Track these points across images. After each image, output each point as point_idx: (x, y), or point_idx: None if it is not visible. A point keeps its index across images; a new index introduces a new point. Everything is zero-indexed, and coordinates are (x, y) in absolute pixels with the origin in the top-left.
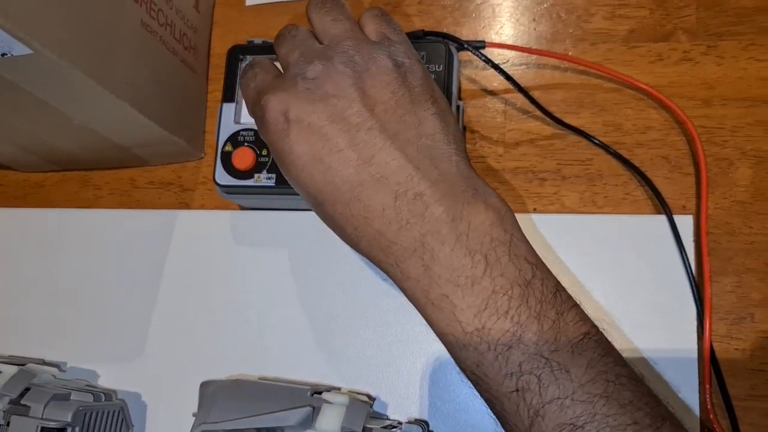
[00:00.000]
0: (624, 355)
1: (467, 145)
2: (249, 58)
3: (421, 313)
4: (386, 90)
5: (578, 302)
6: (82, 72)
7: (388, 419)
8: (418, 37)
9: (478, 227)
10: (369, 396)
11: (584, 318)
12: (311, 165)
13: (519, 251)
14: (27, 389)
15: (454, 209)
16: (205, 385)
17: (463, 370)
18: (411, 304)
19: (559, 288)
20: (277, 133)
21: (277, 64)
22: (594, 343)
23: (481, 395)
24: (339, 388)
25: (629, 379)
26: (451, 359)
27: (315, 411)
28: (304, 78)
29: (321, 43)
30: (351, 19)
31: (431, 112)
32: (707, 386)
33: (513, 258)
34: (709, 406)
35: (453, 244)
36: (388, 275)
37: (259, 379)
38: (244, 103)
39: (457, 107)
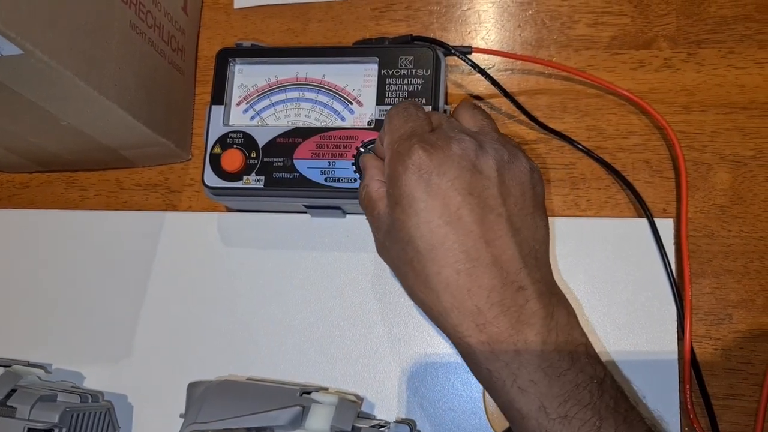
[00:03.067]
0: (606, 355)
1: None
2: (238, 60)
3: (498, 395)
4: (519, 188)
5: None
6: (72, 73)
7: (375, 419)
8: (406, 42)
9: (564, 327)
10: (357, 396)
11: (643, 417)
12: (436, 222)
13: (591, 353)
14: (13, 391)
15: (548, 308)
16: (193, 386)
17: None
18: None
19: (619, 386)
20: (414, 177)
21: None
22: None
23: None
24: (327, 389)
25: None
26: (437, 360)
27: (304, 410)
28: (459, 144)
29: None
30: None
31: (543, 223)
32: (687, 386)
33: (589, 358)
34: (689, 406)
35: (545, 337)
36: (465, 349)
37: (248, 379)
38: (233, 105)
39: (444, 111)
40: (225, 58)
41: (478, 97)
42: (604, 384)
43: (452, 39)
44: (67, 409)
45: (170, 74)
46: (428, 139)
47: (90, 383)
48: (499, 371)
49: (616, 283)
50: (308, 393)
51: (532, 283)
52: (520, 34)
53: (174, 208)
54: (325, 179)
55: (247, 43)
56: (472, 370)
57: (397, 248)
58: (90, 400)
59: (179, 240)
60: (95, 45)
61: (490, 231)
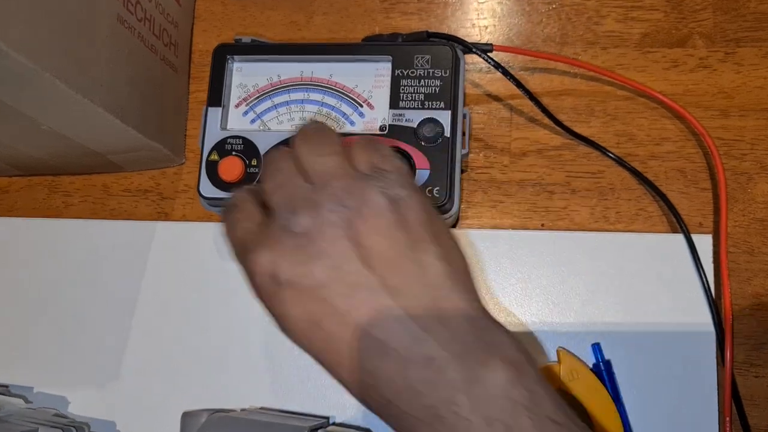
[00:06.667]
0: (638, 384)
1: (471, 155)
2: (237, 57)
3: None
4: (383, 237)
5: None
6: (52, 75)
7: None
8: (421, 39)
9: (496, 389)
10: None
11: None
12: (309, 330)
13: (542, 411)
14: None
15: (467, 371)
16: (188, 417)
17: None
18: None
19: None
20: (268, 295)
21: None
22: None
23: None
24: (336, 423)
25: None
26: None
27: None
28: (291, 233)
29: (309, 178)
30: (339, 151)
31: (433, 255)
32: (728, 418)
33: (536, 422)
34: None
35: (469, 413)
36: None
37: (245, 410)
38: (231, 107)
39: (464, 116)
40: (223, 55)
41: (496, 98)
42: None
43: (469, 34)
44: None
45: (162, 72)
46: (257, 243)
47: (75, 408)
48: None
49: (649, 305)
50: (316, 431)
51: (439, 347)
52: (542, 30)
53: (166, 216)
54: None
55: (246, 39)
56: None
57: None
58: None
59: (172, 252)
60: (79, 42)
61: (367, 312)
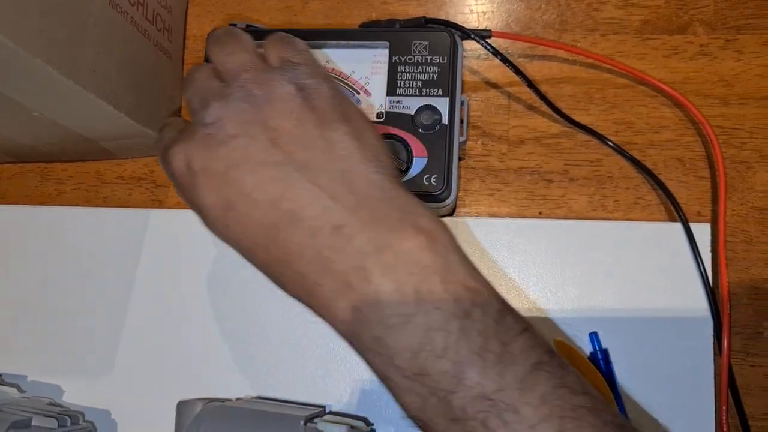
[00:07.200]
0: (636, 372)
1: (468, 142)
2: None
3: (360, 357)
4: (289, 118)
5: (528, 325)
6: (42, 60)
7: None
8: (419, 25)
9: (407, 255)
10: (366, 421)
11: (534, 344)
12: (224, 215)
13: (455, 276)
14: None
15: (377, 238)
16: (184, 405)
17: (408, 415)
18: None
19: (504, 312)
20: (184, 187)
21: None
22: (546, 373)
23: None
24: (332, 411)
25: (589, 410)
26: None
27: None
28: (203, 124)
29: (222, 79)
30: (249, 49)
31: (342, 132)
32: (724, 407)
33: (448, 286)
34: (725, 429)
35: (379, 279)
36: (321, 319)
37: (241, 398)
38: None
39: (462, 103)
40: None
41: (495, 85)
42: (471, 317)
43: (467, 20)
44: None
45: (156, 57)
46: (173, 142)
47: (69, 397)
48: (346, 335)
49: (646, 293)
50: (313, 420)
51: (348, 215)
52: (541, 17)
53: (160, 204)
54: None
55: (241, 24)
56: None
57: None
58: (69, 423)
59: (166, 240)
60: (69, 27)
61: (274, 187)
